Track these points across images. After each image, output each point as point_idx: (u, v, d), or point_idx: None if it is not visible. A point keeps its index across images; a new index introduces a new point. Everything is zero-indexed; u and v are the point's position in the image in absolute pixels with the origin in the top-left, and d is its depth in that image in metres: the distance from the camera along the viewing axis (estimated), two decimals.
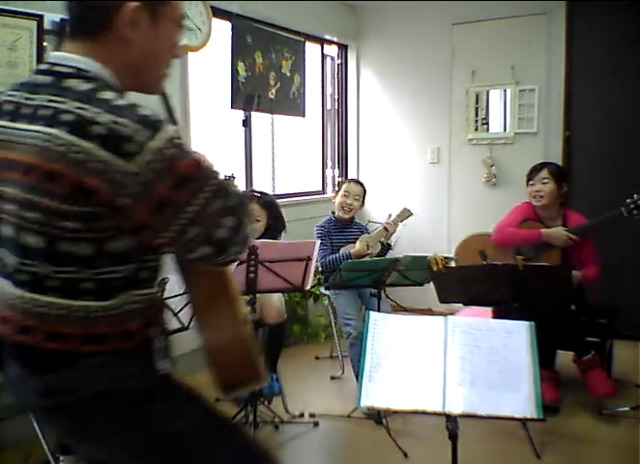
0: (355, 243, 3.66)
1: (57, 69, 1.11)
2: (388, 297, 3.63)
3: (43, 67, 1.15)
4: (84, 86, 1.07)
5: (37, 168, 1.03)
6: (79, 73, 1.10)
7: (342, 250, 3.66)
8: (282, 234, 3.46)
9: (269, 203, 3.39)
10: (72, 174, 1.01)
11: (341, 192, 3.80)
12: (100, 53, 1.13)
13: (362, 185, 3.88)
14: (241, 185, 4.10)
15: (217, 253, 1.11)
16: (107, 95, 1.05)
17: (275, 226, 3.38)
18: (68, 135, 1.01)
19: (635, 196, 3.18)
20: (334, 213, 3.83)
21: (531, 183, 3.45)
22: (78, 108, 1.03)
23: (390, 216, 3.78)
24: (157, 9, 1.16)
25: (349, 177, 5.28)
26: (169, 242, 1.08)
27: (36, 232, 1.06)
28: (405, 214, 3.75)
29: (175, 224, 1.05)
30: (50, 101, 1.06)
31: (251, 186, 4.29)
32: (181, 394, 1.20)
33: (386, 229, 3.69)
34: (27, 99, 1.10)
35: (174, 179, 1.03)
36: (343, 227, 3.80)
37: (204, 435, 1.17)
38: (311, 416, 3.17)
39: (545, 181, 3.38)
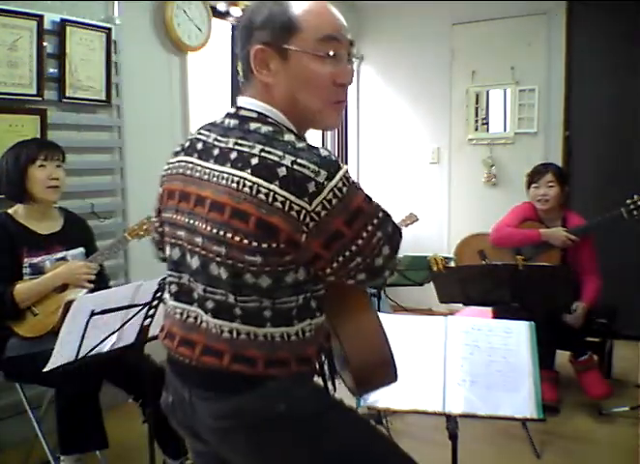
0: None
1: (242, 113, 1.19)
2: (388, 297, 3.63)
3: (232, 110, 1.21)
4: (264, 129, 1.14)
5: (227, 207, 1.10)
6: (259, 117, 1.17)
7: None
8: None
9: None
10: (258, 213, 1.07)
11: None
12: (259, 97, 1.18)
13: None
14: None
15: (371, 279, 1.18)
16: (287, 137, 1.12)
17: None
18: (254, 177, 1.08)
19: (635, 197, 3.16)
20: None
21: (535, 185, 3.41)
22: (262, 151, 1.09)
23: None
24: (281, 45, 1.15)
25: None
26: (333, 271, 1.14)
27: (221, 264, 1.12)
28: (411, 218, 3.75)
29: (342, 255, 1.11)
30: (237, 143, 1.13)
31: None
32: (347, 413, 1.26)
33: None
34: (217, 140, 1.17)
35: (348, 214, 1.09)
36: None
37: (372, 449, 1.25)
38: None
39: (551, 185, 3.36)
